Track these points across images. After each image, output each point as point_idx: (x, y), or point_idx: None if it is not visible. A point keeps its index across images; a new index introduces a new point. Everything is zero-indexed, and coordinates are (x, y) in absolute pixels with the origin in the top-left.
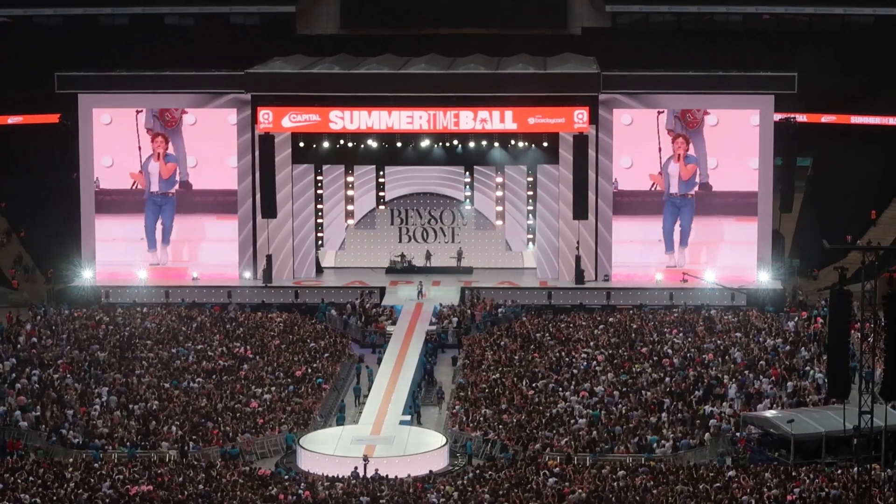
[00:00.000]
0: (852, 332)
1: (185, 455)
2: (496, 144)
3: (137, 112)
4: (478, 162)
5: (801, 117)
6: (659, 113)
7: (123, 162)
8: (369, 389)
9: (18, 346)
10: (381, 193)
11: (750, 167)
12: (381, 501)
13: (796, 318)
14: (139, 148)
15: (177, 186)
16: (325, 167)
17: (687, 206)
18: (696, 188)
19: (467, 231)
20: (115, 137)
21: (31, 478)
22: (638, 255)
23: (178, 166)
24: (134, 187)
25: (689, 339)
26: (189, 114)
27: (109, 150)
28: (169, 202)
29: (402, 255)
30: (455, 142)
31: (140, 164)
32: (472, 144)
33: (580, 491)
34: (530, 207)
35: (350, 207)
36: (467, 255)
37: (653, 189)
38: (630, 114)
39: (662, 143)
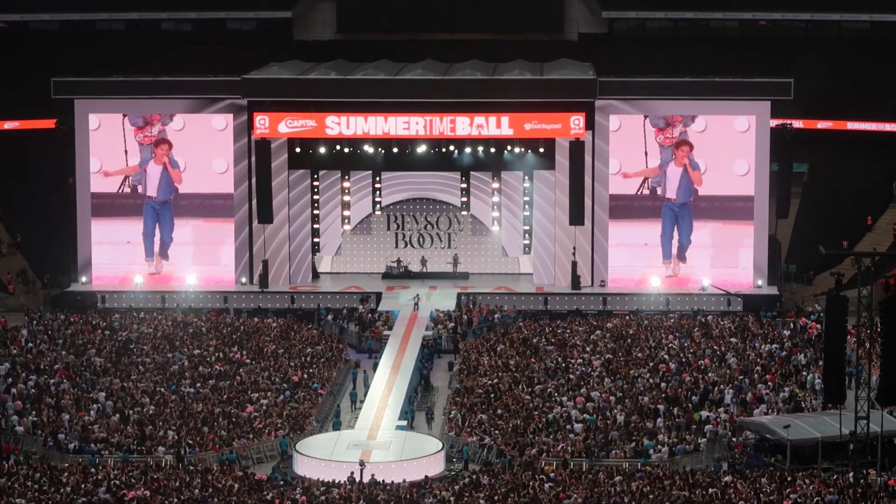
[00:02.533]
0: (848, 337)
1: (182, 460)
2: (492, 150)
3: (124, 116)
4: (474, 167)
5: (798, 123)
6: (645, 117)
7: (117, 166)
8: (365, 395)
9: (15, 350)
10: (378, 199)
11: (744, 172)
12: None
13: (791, 324)
14: (125, 152)
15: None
16: (321, 172)
17: (686, 215)
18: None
19: (463, 237)
20: (108, 141)
21: (27, 482)
22: (633, 259)
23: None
24: (121, 190)
25: (686, 345)
26: (178, 118)
27: (103, 154)
28: (167, 209)
29: (399, 261)
30: (451, 147)
31: (126, 167)
32: (468, 150)
33: (576, 496)
34: (526, 213)
35: (346, 213)
36: (463, 261)
37: (639, 193)
38: (620, 119)
39: (649, 148)
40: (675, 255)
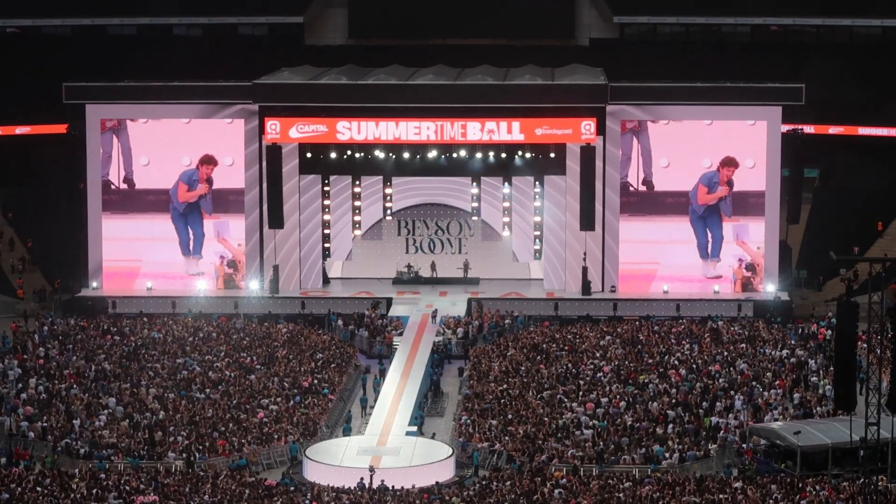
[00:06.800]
0: (859, 343)
1: (192, 465)
2: (503, 155)
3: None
4: (485, 173)
5: (809, 129)
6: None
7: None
8: (375, 400)
9: (25, 356)
10: (388, 204)
11: (750, 166)
12: None
13: (801, 330)
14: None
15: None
16: (332, 178)
17: (713, 215)
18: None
19: (474, 242)
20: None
21: (37, 488)
22: (646, 256)
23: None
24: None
25: (696, 351)
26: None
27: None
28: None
29: (409, 266)
30: (462, 152)
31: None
32: (479, 155)
33: (586, 502)
34: (537, 218)
35: (357, 218)
36: (474, 266)
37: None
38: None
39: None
40: (710, 254)
